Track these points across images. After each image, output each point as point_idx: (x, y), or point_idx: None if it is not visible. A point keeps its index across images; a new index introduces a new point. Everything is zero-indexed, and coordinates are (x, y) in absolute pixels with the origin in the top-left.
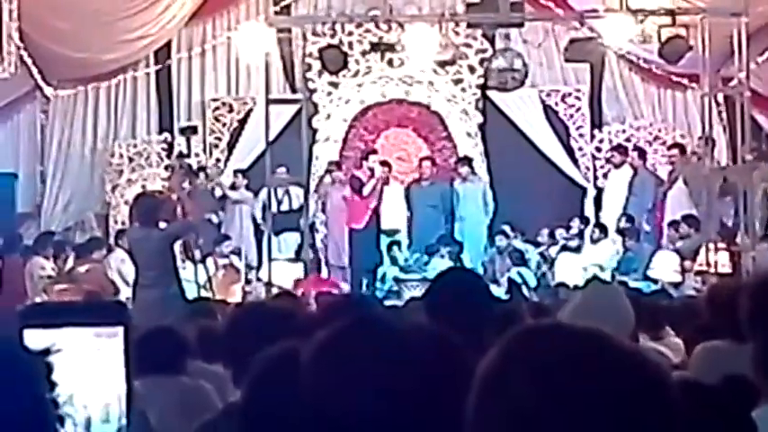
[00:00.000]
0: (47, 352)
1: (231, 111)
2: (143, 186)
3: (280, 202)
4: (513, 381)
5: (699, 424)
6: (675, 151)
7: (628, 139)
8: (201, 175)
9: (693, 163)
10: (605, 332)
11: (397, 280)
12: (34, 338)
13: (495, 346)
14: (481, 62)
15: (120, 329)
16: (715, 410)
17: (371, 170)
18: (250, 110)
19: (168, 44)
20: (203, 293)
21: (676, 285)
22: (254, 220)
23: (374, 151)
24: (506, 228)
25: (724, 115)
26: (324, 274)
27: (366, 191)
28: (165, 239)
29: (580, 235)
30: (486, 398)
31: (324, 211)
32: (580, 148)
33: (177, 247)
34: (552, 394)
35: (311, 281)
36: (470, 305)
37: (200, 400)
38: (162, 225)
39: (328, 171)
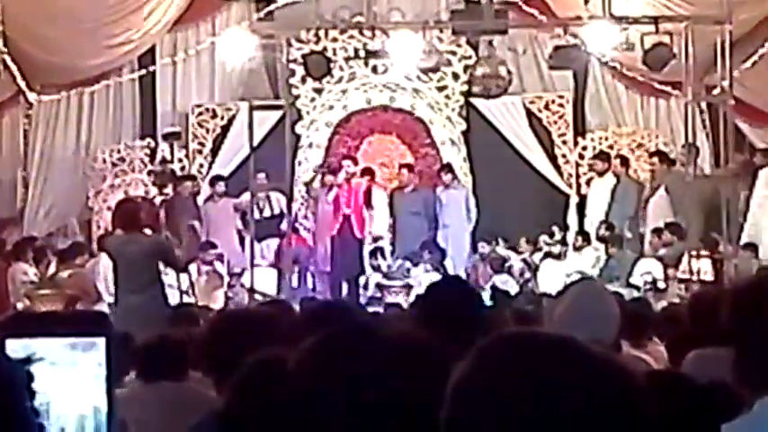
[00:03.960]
0: (27, 361)
1: (214, 116)
2: (126, 192)
3: (261, 209)
4: (484, 388)
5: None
6: (657, 159)
7: (611, 147)
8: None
9: (675, 171)
10: (579, 340)
11: (379, 286)
12: (12, 348)
13: (469, 354)
14: (465, 69)
15: (99, 341)
16: (694, 414)
17: (348, 176)
18: (233, 116)
19: (152, 50)
20: (186, 299)
21: (659, 293)
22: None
23: (350, 157)
24: (489, 235)
25: (707, 123)
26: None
27: (330, 197)
28: (148, 253)
29: (563, 242)
30: (458, 405)
31: (315, 214)
32: (563, 155)
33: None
34: (523, 402)
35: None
36: (462, 317)
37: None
38: (147, 231)
39: (322, 173)
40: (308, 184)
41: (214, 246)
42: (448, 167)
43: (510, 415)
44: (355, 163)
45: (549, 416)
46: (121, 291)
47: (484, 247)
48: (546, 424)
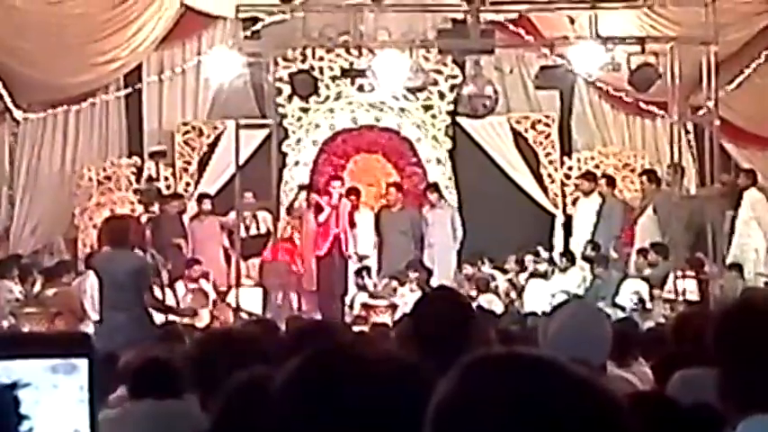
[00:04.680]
0: (14, 386)
1: (201, 135)
2: (112, 210)
3: (248, 228)
4: (465, 409)
5: None
6: (645, 179)
7: (597, 166)
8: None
9: (664, 191)
10: (561, 360)
11: (365, 306)
12: None
13: (449, 375)
14: (451, 88)
15: (81, 363)
16: None
17: (330, 196)
18: (220, 134)
19: (138, 68)
20: (171, 317)
21: (645, 312)
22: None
23: (338, 177)
24: (474, 254)
25: (693, 143)
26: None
27: (321, 218)
28: (134, 272)
29: (549, 261)
30: (440, 426)
31: (300, 233)
32: (549, 175)
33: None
34: (504, 423)
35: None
36: (452, 329)
37: (180, 423)
38: (137, 251)
39: (306, 191)
40: (291, 203)
41: (199, 262)
42: (434, 187)
43: None
44: (343, 183)
45: None
46: (106, 309)
47: (468, 269)
48: None
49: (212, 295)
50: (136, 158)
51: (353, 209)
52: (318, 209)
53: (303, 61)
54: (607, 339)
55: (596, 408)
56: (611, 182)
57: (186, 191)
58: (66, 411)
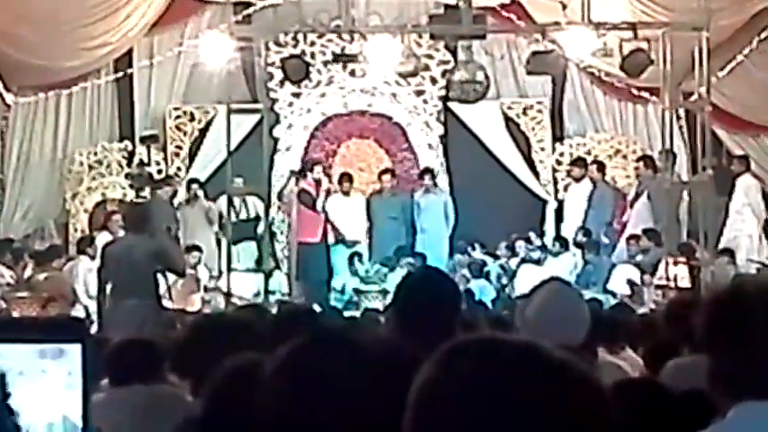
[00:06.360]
0: (2, 375)
1: (192, 120)
2: (103, 195)
3: (238, 213)
4: (445, 395)
5: None
6: (641, 164)
7: (588, 152)
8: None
9: (659, 177)
10: (543, 345)
11: (356, 291)
12: None
13: (430, 360)
14: (443, 74)
15: (68, 348)
16: (668, 421)
17: (317, 182)
18: (211, 119)
19: (129, 52)
20: (162, 303)
21: (635, 299)
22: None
23: (318, 162)
24: (466, 240)
25: (685, 129)
26: (284, 283)
27: (319, 206)
28: (153, 257)
29: (541, 247)
30: (420, 413)
31: (288, 218)
32: (541, 161)
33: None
34: (485, 409)
35: None
36: (442, 309)
37: (168, 408)
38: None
39: (296, 177)
40: (282, 189)
41: (198, 248)
42: (429, 172)
43: (472, 421)
44: (325, 168)
45: (512, 423)
46: (121, 295)
47: (459, 255)
48: (507, 430)
49: (204, 280)
50: (127, 143)
51: (345, 193)
52: (305, 194)
53: (295, 46)
54: (584, 320)
55: (578, 395)
56: (601, 168)
57: (177, 175)
58: (54, 396)
